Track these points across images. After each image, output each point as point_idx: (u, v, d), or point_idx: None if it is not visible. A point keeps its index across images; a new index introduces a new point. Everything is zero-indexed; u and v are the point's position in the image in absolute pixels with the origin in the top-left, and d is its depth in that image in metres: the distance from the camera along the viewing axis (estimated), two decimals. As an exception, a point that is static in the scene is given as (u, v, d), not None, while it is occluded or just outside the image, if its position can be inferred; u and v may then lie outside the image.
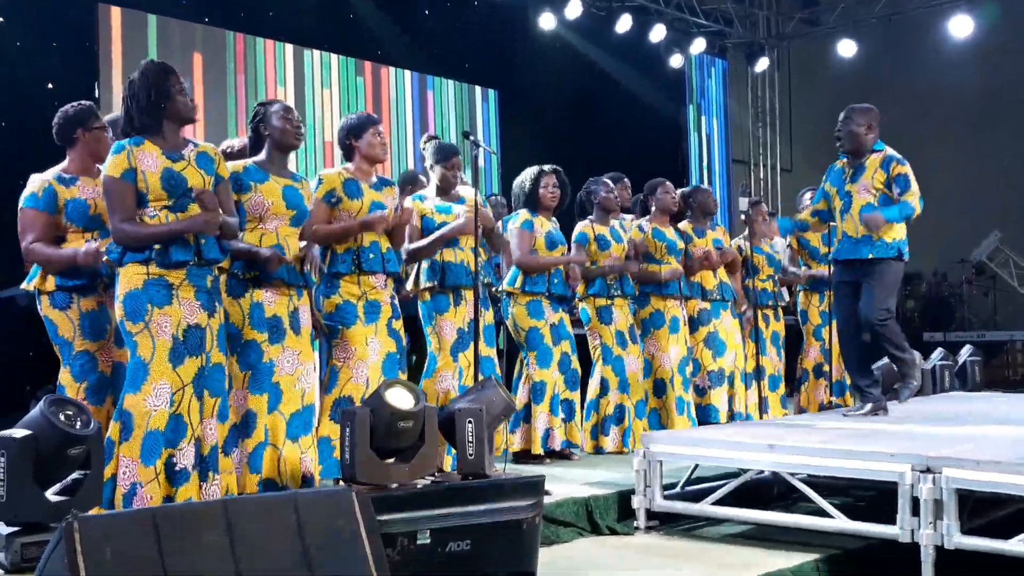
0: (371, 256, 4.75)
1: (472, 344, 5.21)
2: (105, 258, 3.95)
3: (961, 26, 12.13)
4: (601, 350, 6.28)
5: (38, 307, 4.29)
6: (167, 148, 3.95)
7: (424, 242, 5.24)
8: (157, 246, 3.83)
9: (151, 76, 3.94)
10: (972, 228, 13.34)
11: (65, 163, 4.40)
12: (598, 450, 6.19)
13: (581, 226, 6.37)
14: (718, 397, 6.88)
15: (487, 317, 5.43)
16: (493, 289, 6.09)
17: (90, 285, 4.25)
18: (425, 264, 5.31)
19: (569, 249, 6.19)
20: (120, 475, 3.73)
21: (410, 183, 6.28)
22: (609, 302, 6.28)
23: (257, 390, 4.26)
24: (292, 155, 4.83)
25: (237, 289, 4.30)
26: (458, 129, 10.51)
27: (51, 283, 4.23)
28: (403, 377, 4.79)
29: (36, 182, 4.32)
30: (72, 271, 4.21)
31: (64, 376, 4.23)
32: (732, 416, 7.02)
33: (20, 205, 4.31)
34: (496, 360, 5.50)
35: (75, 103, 4.45)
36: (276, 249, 4.30)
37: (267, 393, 4.27)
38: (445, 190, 5.44)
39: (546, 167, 6.05)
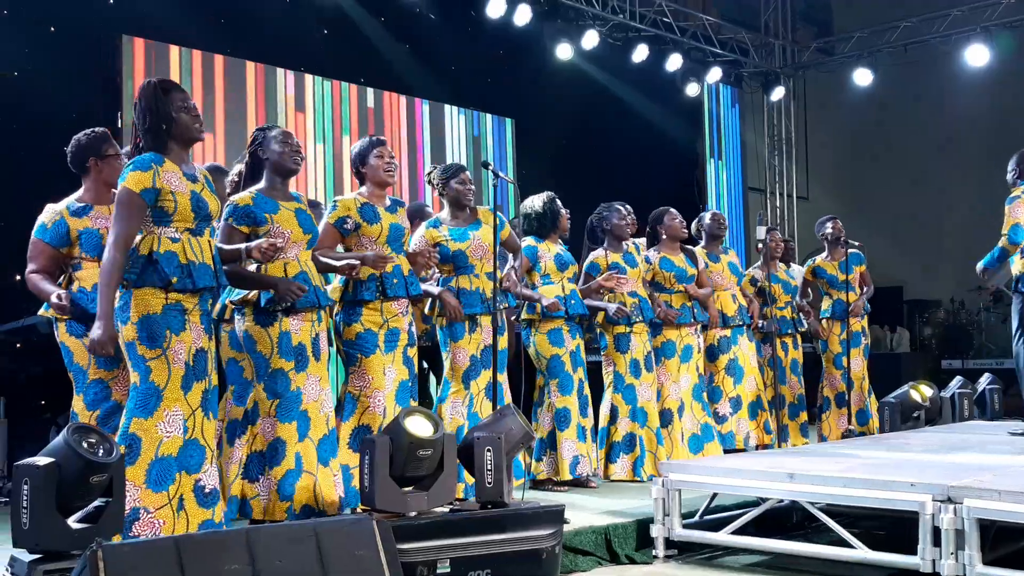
0: (395, 281, 4.76)
1: (483, 371, 5.23)
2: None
3: (977, 55, 12.14)
4: (613, 377, 6.29)
5: (55, 334, 4.32)
6: (183, 169, 3.89)
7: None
8: (176, 278, 3.78)
9: (148, 98, 3.85)
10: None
11: (79, 192, 4.41)
12: (607, 478, 6.20)
13: (594, 256, 6.37)
14: (735, 424, 6.89)
15: (500, 342, 5.44)
16: (513, 318, 6.10)
17: None
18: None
19: (580, 274, 6.22)
20: None
21: (418, 216, 6.07)
22: (628, 330, 6.27)
23: (286, 419, 4.26)
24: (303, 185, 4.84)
25: (265, 318, 4.29)
26: (470, 158, 10.56)
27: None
28: (414, 404, 4.80)
29: (48, 213, 4.34)
30: (91, 297, 4.21)
31: (77, 403, 4.23)
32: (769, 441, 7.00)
33: (32, 233, 4.34)
34: (507, 387, 5.47)
35: (88, 131, 4.45)
36: (302, 277, 4.33)
37: (296, 421, 4.27)
38: (461, 206, 5.41)
39: (550, 192, 6.09)
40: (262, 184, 4.43)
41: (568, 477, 5.79)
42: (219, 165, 5.36)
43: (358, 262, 4.61)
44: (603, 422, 6.28)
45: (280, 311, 4.29)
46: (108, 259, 3.72)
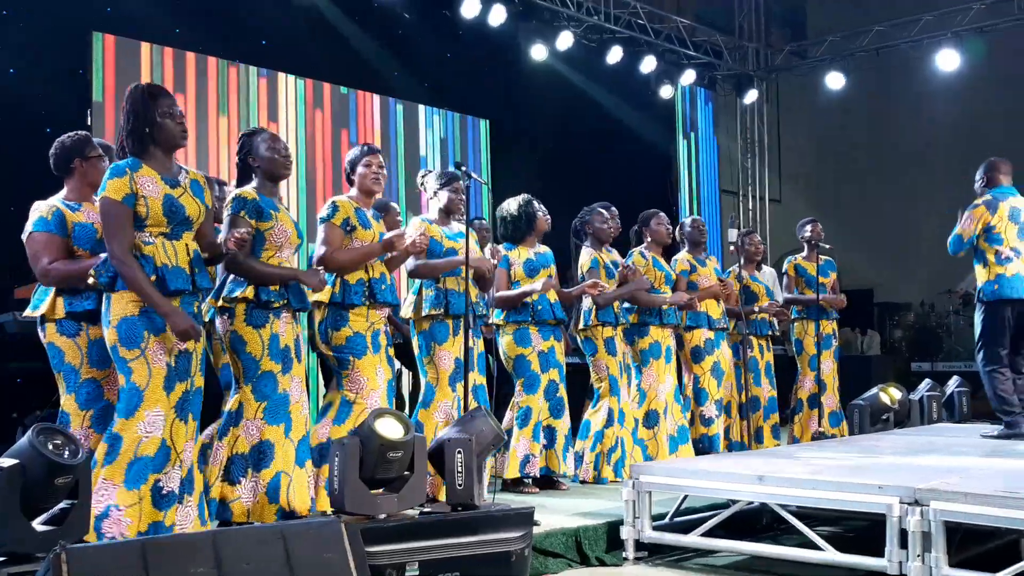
0: (383, 287, 4.78)
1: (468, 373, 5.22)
2: (92, 279, 3.88)
3: (947, 60, 12.25)
4: (609, 381, 6.26)
5: (41, 334, 4.24)
6: (163, 173, 3.91)
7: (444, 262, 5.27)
8: (153, 277, 3.80)
9: (134, 101, 3.90)
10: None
11: (64, 192, 4.38)
12: (602, 480, 6.18)
13: (591, 253, 6.37)
14: (719, 426, 6.93)
15: (478, 345, 5.43)
16: (486, 324, 6.07)
17: (99, 312, 4.17)
18: (429, 291, 5.31)
19: (566, 275, 6.20)
20: (95, 497, 3.69)
21: (383, 212, 6.07)
22: (614, 332, 6.29)
23: (274, 421, 4.27)
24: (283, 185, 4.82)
25: (259, 319, 4.30)
26: (441, 158, 10.53)
27: (60, 310, 4.18)
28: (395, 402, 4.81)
29: (43, 207, 4.30)
30: (84, 295, 4.16)
31: (68, 403, 4.18)
32: (730, 445, 7.04)
33: (29, 231, 4.26)
34: (487, 388, 5.47)
35: (71, 133, 4.43)
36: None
37: (283, 423, 4.29)
38: (450, 213, 5.45)
39: (526, 195, 6.07)
40: (256, 185, 4.47)
41: (516, 474, 5.77)
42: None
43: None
44: (599, 425, 6.23)
45: (272, 312, 4.31)
46: (126, 272, 3.77)
